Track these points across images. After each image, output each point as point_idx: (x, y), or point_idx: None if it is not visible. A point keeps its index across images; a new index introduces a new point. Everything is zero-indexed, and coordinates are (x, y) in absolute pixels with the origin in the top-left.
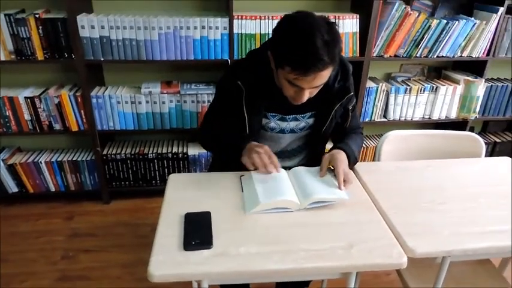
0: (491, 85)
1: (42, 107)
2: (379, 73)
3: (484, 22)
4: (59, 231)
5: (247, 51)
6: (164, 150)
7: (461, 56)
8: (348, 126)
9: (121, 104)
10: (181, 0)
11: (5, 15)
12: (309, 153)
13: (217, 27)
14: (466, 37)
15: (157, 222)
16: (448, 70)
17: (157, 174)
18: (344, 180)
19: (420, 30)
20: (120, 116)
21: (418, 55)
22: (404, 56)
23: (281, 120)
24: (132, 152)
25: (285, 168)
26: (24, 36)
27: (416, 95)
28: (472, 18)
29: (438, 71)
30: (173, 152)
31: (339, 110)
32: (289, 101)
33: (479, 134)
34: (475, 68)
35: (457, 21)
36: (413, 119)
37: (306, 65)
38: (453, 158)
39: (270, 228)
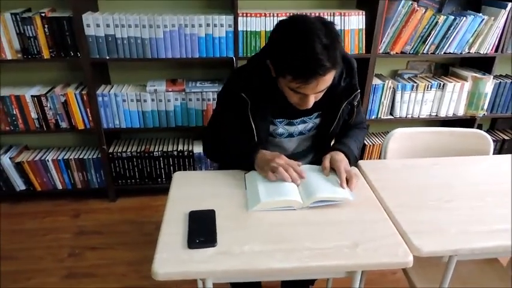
0: (500, 82)
1: (48, 105)
2: (386, 70)
3: (492, 18)
4: (65, 228)
5: (252, 48)
6: (170, 148)
7: (469, 52)
8: (352, 122)
9: (126, 102)
10: None
11: (12, 14)
12: (317, 153)
13: (222, 25)
14: (473, 33)
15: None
16: (455, 67)
17: (162, 172)
18: (347, 179)
19: (427, 27)
20: (126, 114)
21: (425, 52)
22: (411, 52)
23: (289, 125)
24: (138, 150)
25: None
26: (31, 35)
27: (423, 92)
28: (480, 14)
29: (445, 68)
30: (178, 150)
31: (346, 108)
32: (295, 106)
33: (487, 131)
34: (483, 64)
35: (464, 17)
36: (420, 117)
37: (307, 73)
38: (460, 155)
39: (275, 226)
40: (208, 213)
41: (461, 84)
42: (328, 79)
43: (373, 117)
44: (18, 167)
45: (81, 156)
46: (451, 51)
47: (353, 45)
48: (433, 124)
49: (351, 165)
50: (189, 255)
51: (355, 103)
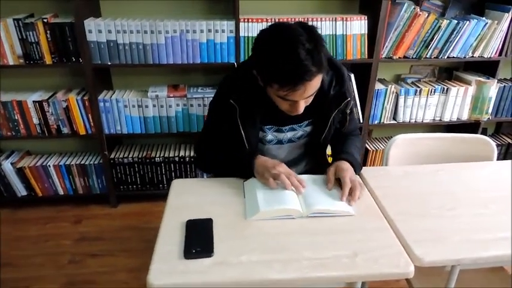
0: (504, 85)
1: (50, 110)
2: (389, 75)
3: (496, 22)
4: (67, 235)
5: None
6: (171, 154)
7: (472, 56)
8: (345, 130)
9: (128, 108)
10: (187, 4)
11: (14, 19)
12: (309, 161)
13: (223, 31)
14: (477, 37)
15: None
16: (459, 71)
17: (164, 178)
18: (352, 189)
19: (430, 31)
20: (127, 119)
21: (428, 56)
22: (414, 57)
23: (278, 132)
24: (140, 156)
25: None
26: (33, 40)
27: (427, 97)
28: (484, 18)
29: (449, 72)
30: (180, 155)
31: (337, 116)
32: (286, 112)
33: (492, 135)
34: (487, 68)
35: (468, 21)
36: (424, 121)
37: (294, 80)
38: (463, 161)
39: (273, 235)
40: (206, 222)
41: (465, 89)
42: (315, 83)
43: (376, 122)
44: (20, 172)
45: (82, 162)
46: (455, 56)
47: (355, 50)
48: (436, 129)
49: (356, 173)
50: (185, 266)
51: (347, 111)
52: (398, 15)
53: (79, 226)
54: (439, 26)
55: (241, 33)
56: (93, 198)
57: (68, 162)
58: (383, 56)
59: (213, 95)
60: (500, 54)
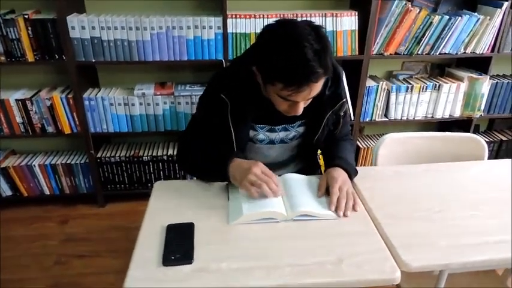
0: (497, 82)
1: (34, 109)
2: (380, 71)
3: (488, 17)
4: (53, 235)
5: (242, 50)
6: (159, 153)
7: (464, 52)
8: (338, 133)
9: (114, 106)
10: (174, 0)
11: None
12: (300, 162)
13: (210, 27)
14: (469, 33)
15: None
16: (451, 67)
17: (152, 177)
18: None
19: (421, 27)
20: (114, 118)
21: (419, 52)
22: (405, 53)
23: (270, 131)
24: (127, 155)
25: None
26: (14, 37)
27: (419, 94)
28: (476, 14)
29: (442, 68)
30: (168, 154)
31: (331, 118)
32: (281, 112)
33: (484, 132)
34: (479, 64)
35: (460, 17)
36: (416, 118)
37: (300, 80)
38: (454, 161)
39: (255, 241)
40: (187, 227)
41: (457, 85)
42: (319, 85)
43: (367, 119)
44: (4, 172)
45: (68, 161)
46: (447, 52)
47: (346, 47)
48: (428, 126)
49: (351, 178)
50: (163, 273)
51: (341, 113)
52: (390, 10)
53: (65, 226)
54: (431, 22)
55: (229, 30)
56: (80, 198)
57: (53, 162)
58: (374, 53)
59: (201, 93)
60: (492, 50)
